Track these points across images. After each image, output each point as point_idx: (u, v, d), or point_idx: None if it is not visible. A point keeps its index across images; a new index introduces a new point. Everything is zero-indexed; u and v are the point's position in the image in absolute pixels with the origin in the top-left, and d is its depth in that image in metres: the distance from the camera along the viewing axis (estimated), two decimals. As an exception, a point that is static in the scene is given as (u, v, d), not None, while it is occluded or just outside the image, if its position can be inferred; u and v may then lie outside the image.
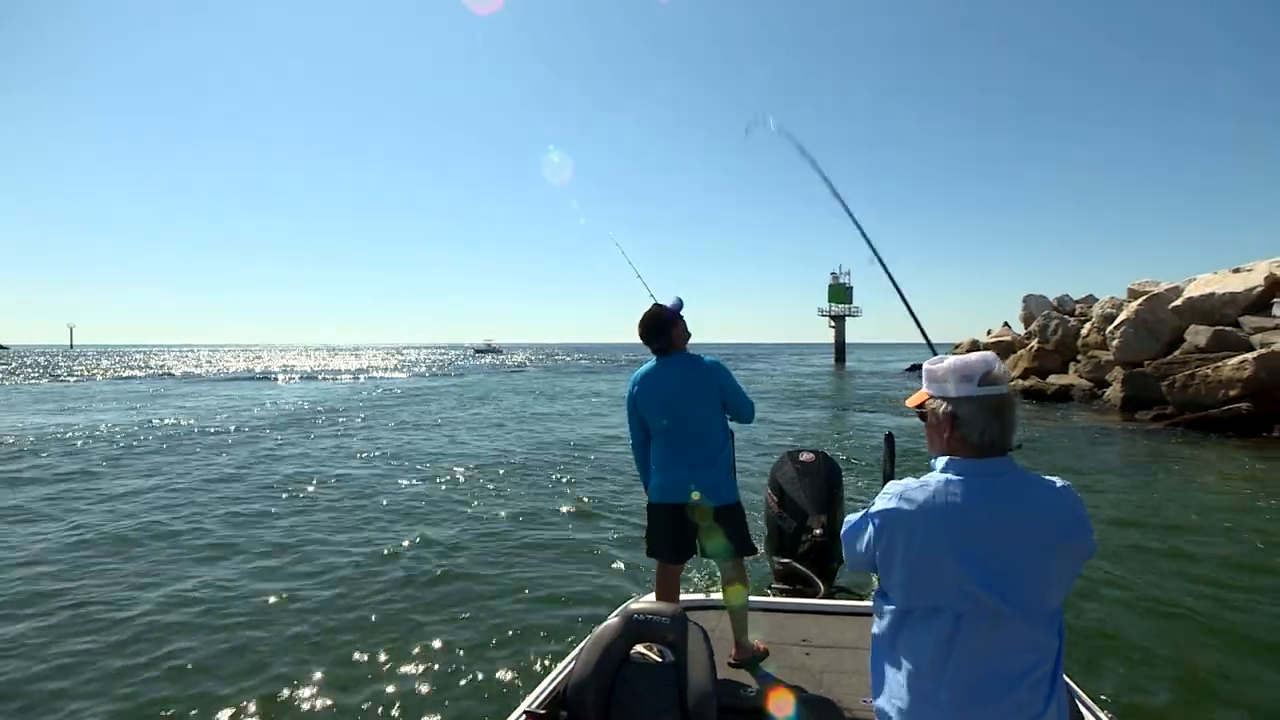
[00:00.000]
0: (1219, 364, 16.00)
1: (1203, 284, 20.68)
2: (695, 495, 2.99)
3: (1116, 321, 21.50)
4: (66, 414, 20.70)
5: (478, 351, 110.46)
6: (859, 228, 2.71)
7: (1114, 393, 20.68)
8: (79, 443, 14.25)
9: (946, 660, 1.41)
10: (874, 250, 2.65)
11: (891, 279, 2.59)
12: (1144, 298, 21.33)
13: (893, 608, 1.50)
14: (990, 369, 1.48)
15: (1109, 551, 6.55)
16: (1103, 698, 3.73)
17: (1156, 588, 5.68)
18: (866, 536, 1.54)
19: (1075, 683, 2.58)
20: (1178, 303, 20.40)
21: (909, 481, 1.51)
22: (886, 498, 1.51)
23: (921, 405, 1.61)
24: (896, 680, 1.47)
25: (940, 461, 1.52)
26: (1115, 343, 21.26)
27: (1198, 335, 18.78)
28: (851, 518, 1.60)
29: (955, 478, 1.46)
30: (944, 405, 1.51)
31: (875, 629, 1.55)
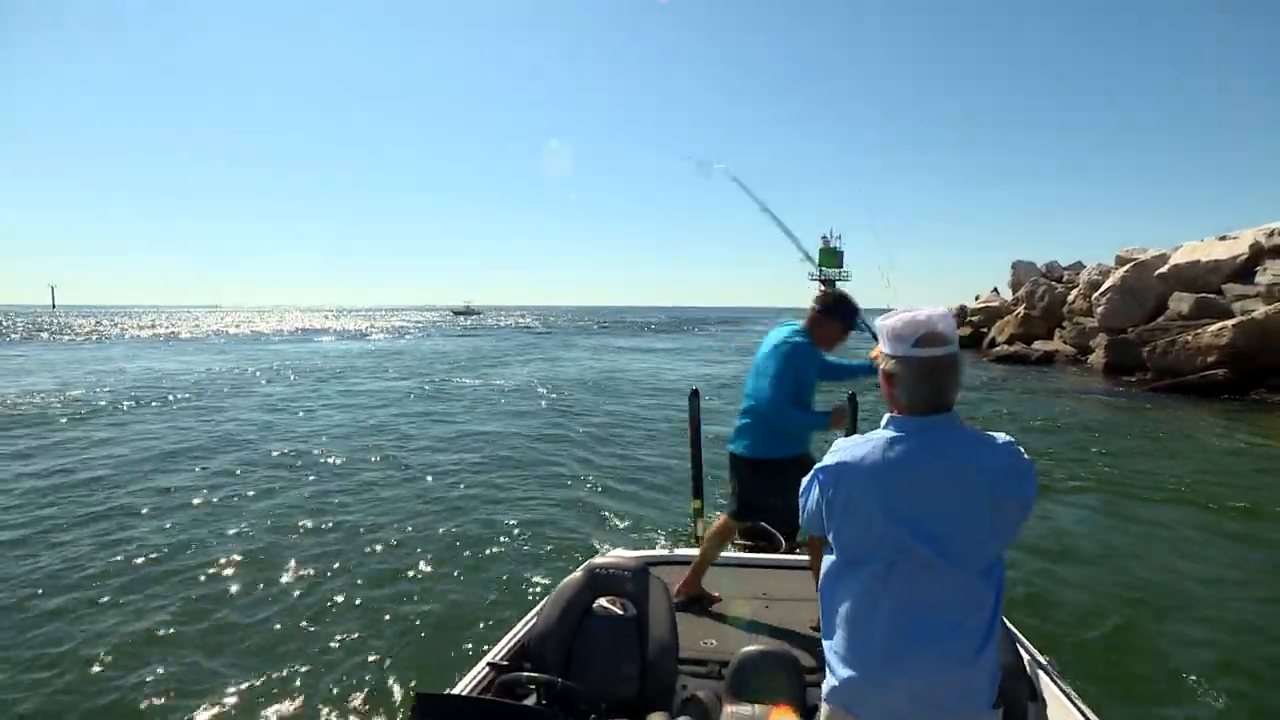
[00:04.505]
0: (1199, 331, 16.19)
1: (1189, 251, 20.73)
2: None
3: (1102, 288, 21.62)
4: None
5: (456, 313, 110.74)
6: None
7: (1097, 358, 20.92)
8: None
9: (878, 609, 1.44)
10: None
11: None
12: (1130, 264, 21.43)
13: (835, 559, 1.54)
14: (928, 330, 1.45)
15: (1084, 506, 6.84)
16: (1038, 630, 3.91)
17: (1120, 541, 5.91)
18: (814, 493, 1.56)
19: (1019, 630, 2.63)
20: (1163, 270, 20.48)
21: (854, 438, 1.53)
22: (830, 454, 1.54)
23: (878, 358, 1.65)
24: (838, 628, 1.51)
25: (885, 417, 1.54)
26: (1100, 309, 21.42)
27: (1181, 302, 18.94)
28: (805, 480, 1.62)
29: (894, 433, 1.48)
30: (884, 363, 1.53)
31: (822, 581, 1.58)
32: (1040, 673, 2.34)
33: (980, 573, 1.43)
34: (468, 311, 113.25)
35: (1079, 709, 2.17)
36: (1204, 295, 18.62)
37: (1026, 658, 2.35)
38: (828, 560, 1.57)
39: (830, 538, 1.54)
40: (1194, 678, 3.78)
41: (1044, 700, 2.23)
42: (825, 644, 1.55)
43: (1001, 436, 1.48)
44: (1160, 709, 3.57)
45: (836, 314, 3.15)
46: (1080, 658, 3.93)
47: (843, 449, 1.52)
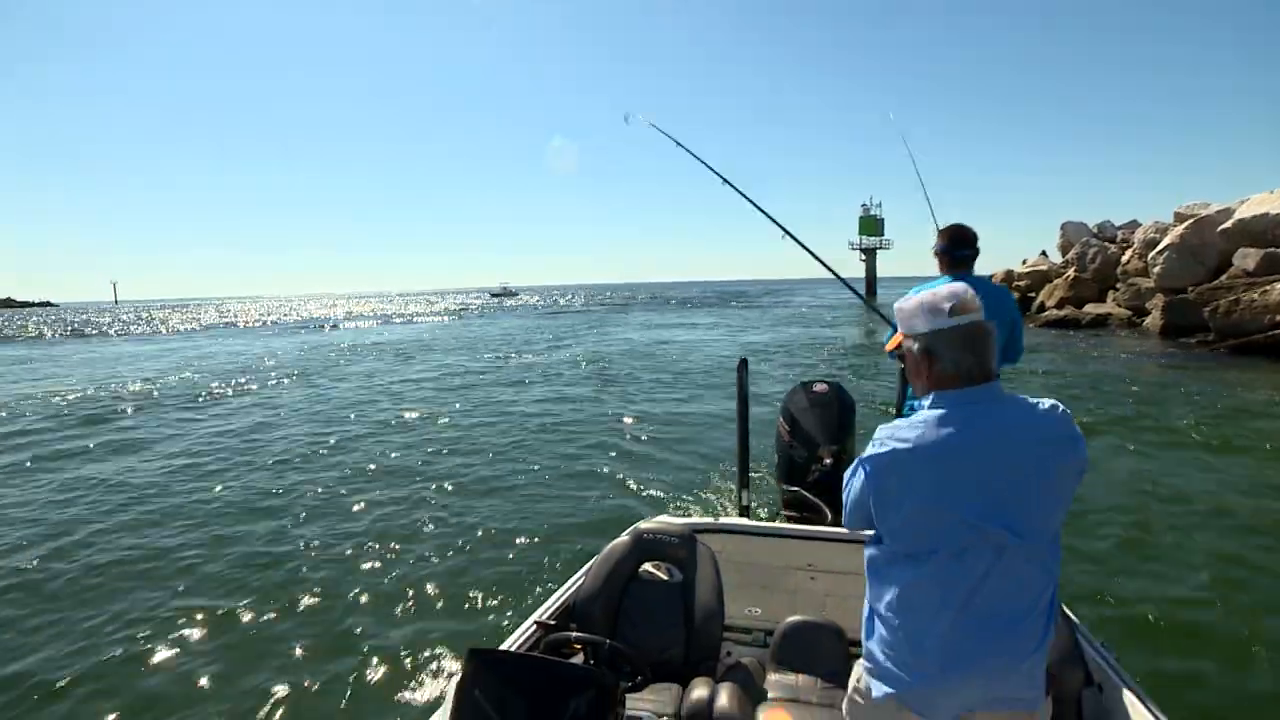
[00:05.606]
0: (1267, 288, 15.40)
1: (1256, 204, 19.54)
2: None
3: (1160, 247, 20.66)
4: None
5: (494, 295, 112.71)
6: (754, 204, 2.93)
7: (1153, 320, 20.10)
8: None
9: (948, 601, 1.38)
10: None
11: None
12: (1190, 221, 20.41)
13: (891, 550, 1.46)
14: (961, 299, 1.46)
15: (1142, 470, 6.67)
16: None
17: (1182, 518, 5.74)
18: (858, 484, 1.49)
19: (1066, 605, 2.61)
20: (1227, 225, 19.39)
21: (899, 422, 1.47)
22: (876, 443, 1.47)
23: (899, 347, 1.59)
24: (894, 622, 1.44)
25: (927, 399, 1.49)
26: (1157, 269, 20.53)
27: (1246, 258, 17.99)
28: (848, 472, 1.55)
29: (943, 412, 1.43)
30: (918, 343, 1.49)
31: (871, 575, 1.50)
32: (1097, 657, 2.23)
33: (1050, 545, 1.41)
34: (506, 293, 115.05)
35: (1140, 697, 2.01)
36: (1273, 250, 17.65)
37: (1081, 640, 2.25)
38: (870, 551, 1.51)
39: (883, 529, 1.47)
40: (1266, 664, 3.56)
41: (1100, 686, 2.13)
42: (872, 644, 1.49)
43: (1047, 401, 1.45)
44: (1228, 703, 3.29)
45: (948, 247, 3.17)
46: (1138, 641, 3.76)
47: (889, 435, 1.46)
